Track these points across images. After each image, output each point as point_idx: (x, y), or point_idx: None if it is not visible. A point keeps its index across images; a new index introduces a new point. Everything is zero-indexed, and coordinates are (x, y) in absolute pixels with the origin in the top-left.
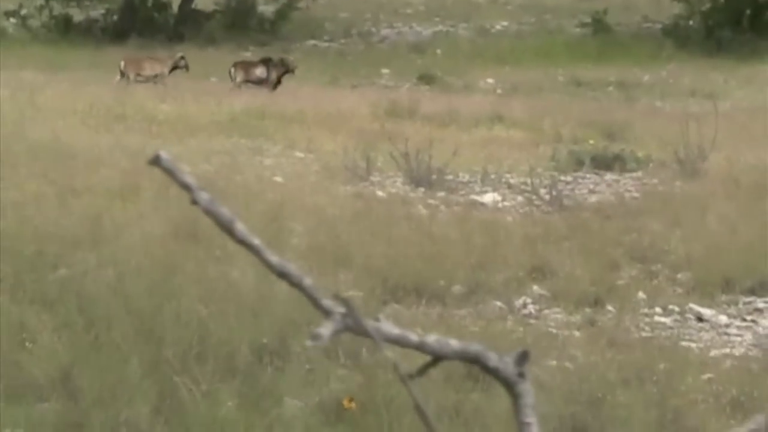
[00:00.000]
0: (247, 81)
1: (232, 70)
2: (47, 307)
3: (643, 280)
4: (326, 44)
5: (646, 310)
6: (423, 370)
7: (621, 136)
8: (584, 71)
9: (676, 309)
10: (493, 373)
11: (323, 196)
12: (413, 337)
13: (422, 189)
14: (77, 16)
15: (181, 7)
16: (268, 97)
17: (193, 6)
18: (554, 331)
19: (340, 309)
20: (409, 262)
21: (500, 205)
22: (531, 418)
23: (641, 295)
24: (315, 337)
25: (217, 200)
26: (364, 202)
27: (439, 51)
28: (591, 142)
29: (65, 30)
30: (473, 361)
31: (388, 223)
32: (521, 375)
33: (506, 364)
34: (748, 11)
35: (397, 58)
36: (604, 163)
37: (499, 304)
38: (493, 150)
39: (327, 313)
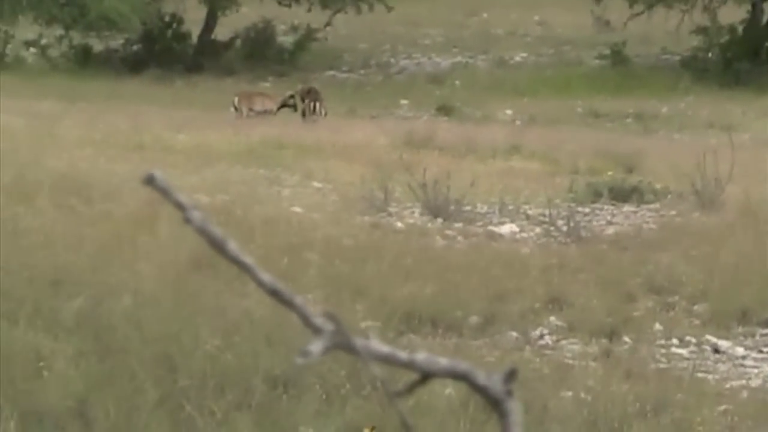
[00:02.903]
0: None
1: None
2: (64, 335)
3: (659, 312)
4: (345, 75)
5: (662, 342)
6: (411, 388)
7: (638, 167)
8: (602, 103)
9: (693, 340)
10: (482, 391)
11: (341, 226)
12: (402, 355)
13: (440, 220)
14: (97, 46)
15: (200, 37)
16: (285, 128)
17: (212, 36)
18: (571, 361)
19: (330, 327)
20: (425, 292)
21: (518, 236)
22: None
23: (657, 326)
24: (304, 354)
25: (234, 231)
26: (382, 233)
27: (457, 82)
28: (609, 173)
29: (84, 60)
30: (462, 378)
31: (406, 254)
32: (509, 393)
33: (494, 382)
34: (766, 44)
35: (416, 89)
36: (621, 194)
37: (515, 334)
38: (510, 181)
39: (317, 331)
